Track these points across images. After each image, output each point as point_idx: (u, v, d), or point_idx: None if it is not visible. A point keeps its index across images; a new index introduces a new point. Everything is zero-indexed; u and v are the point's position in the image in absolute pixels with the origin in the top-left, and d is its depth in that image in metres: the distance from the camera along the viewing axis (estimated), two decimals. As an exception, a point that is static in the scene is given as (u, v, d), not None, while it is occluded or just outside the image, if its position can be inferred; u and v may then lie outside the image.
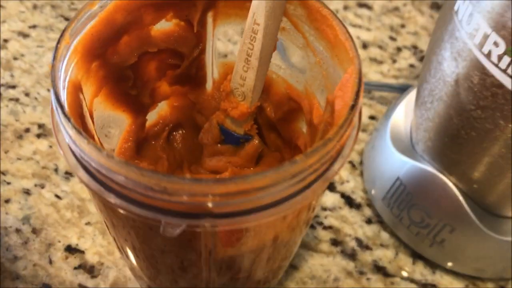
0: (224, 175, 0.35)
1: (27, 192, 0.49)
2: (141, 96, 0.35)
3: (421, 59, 0.65)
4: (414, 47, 0.66)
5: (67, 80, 0.27)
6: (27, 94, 0.56)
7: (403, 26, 0.69)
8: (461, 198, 0.43)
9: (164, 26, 0.34)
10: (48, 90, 0.57)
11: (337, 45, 0.30)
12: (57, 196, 0.49)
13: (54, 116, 0.27)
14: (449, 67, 0.38)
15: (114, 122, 0.35)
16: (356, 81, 0.26)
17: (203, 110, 0.39)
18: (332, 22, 0.30)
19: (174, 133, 0.40)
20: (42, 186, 0.49)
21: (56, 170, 0.51)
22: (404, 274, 0.47)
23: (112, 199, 0.24)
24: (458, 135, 0.39)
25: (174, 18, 0.34)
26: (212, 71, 0.38)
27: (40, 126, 0.54)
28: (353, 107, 0.25)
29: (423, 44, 0.67)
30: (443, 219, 0.44)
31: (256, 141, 0.36)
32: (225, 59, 0.38)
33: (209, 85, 0.39)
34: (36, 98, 0.56)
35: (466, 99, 0.37)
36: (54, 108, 0.25)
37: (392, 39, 0.67)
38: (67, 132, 0.24)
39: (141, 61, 0.34)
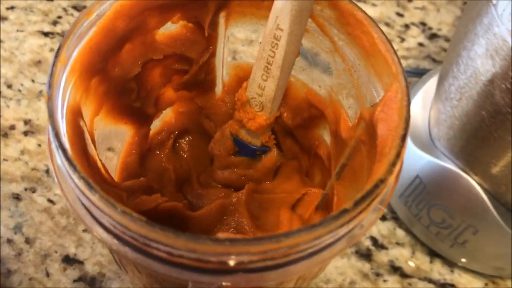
0: (242, 193, 0.31)
1: (17, 197, 0.45)
2: (145, 107, 0.31)
3: (430, 37, 0.61)
4: (423, 23, 0.62)
5: (65, 106, 0.23)
6: (9, 86, 0.51)
7: (410, 0, 0.64)
8: (486, 198, 0.40)
9: (170, 29, 0.30)
10: (33, 80, 0.52)
11: (374, 55, 0.26)
12: (50, 201, 0.45)
13: (52, 150, 0.23)
14: (484, 65, 0.34)
15: (116, 136, 0.31)
16: (404, 104, 0.23)
17: (212, 115, 0.35)
18: (368, 28, 0.26)
19: (180, 141, 0.36)
20: (33, 190, 0.45)
21: (47, 171, 0.47)
22: (422, 274, 0.45)
23: (130, 253, 0.20)
24: (489, 137, 0.36)
25: (182, 20, 0.29)
26: (222, 74, 0.34)
27: (27, 122, 0.49)
28: (403, 137, 0.22)
29: (432, 20, 0.63)
30: (466, 220, 0.41)
31: (275, 153, 0.33)
32: (237, 61, 0.34)
33: (218, 89, 0.35)
34: (20, 91, 0.51)
35: (503, 101, 0.34)
36: (54, 148, 0.21)
37: (399, 15, 0.63)
38: (73, 179, 0.20)
39: (144, 69, 0.30)
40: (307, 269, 0.21)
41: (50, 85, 0.22)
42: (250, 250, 0.19)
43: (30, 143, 0.48)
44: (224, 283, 0.20)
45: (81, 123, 0.24)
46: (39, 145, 0.48)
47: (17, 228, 0.43)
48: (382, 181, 0.21)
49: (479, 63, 0.35)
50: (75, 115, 0.24)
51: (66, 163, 0.20)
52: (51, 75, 0.22)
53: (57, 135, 0.21)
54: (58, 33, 0.55)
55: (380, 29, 0.25)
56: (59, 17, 0.57)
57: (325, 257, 0.21)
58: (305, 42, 0.30)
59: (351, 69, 0.28)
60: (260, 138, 0.32)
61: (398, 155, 0.21)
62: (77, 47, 0.25)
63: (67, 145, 0.21)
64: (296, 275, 0.21)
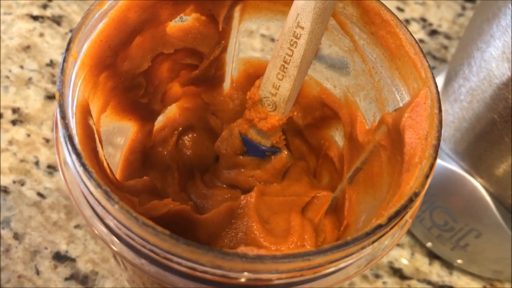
0: (251, 195, 0.30)
1: (5, 190, 0.43)
2: (152, 103, 0.30)
3: (430, 33, 0.60)
4: (423, 19, 0.61)
5: (74, 105, 0.21)
6: (-4, 72, 0.49)
7: (410, -6, 0.63)
8: (490, 202, 0.40)
9: (181, 22, 0.28)
10: (22, 67, 0.49)
11: (400, 57, 0.25)
12: (40, 195, 0.43)
13: (60, 151, 0.21)
14: (499, 68, 0.33)
15: (119, 133, 0.30)
16: (435, 111, 0.22)
17: (219, 112, 0.34)
18: (395, 29, 0.25)
19: (184, 137, 0.34)
20: (22, 183, 0.43)
21: (37, 163, 0.45)
22: (421, 276, 0.44)
23: (146, 266, 0.19)
24: (500, 141, 0.36)
25: (195, 13, 0.28)
26: (232, 69, 0.32)
27: (15, 110, 0.47)
28: (436, 148, 0.21)
29: (432, 16, 0.62)
30: (469, 223, 0.41)
31: (285, 155, 0.31)
32: (246, 55, 0.32)
33: (226, 85, 0.33)
34: (7, 77, 0.49)
35: (518, 106, 0.33)
36: (66, 150, 0.19)
37: (400, 10, 0.62)
38: (86, 186, 0.19)
39: (153, 63, 0.28)
40: (329, 286, 0.20)
41: (62, 83, 0.20)
42: (279, 268, 0.18)
43: (19, 133, 0.46)
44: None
45: (91, 122, 0.22)
46: (28, 135, 0.46)
47: (5, 223, 0.42)
48: (416, 194, 0.20)
49: (494, 65, 0.34)
50: (85, 114, 0.22)
51: (80, 169, 0.19)
52: (62, 71, 0.20)
53: (70, 138, 0.19)
54: (48, 17, 0.53)
55: (408, 31, 0.24)
56: None
57: (350, 273, 0.20)
58: (322, 40, 0.29)
59: (371, 70, 0.27)
60: (270, 138, 0.31)
61: (431, 166, 0.20)
62: (87, 40, 0.23)
63: (80, 150, 0.19)
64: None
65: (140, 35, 0.26)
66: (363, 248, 0.19)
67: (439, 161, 0.41)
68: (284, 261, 0.18)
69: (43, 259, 0.41)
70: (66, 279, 0.40)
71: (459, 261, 0.44)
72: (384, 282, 0.44)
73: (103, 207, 0.18)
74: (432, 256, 0.46)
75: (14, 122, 0.46)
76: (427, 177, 0.20)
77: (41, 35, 0.52)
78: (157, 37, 0.27)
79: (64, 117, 0.19)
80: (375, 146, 0.27)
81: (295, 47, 0.26)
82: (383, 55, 0.26)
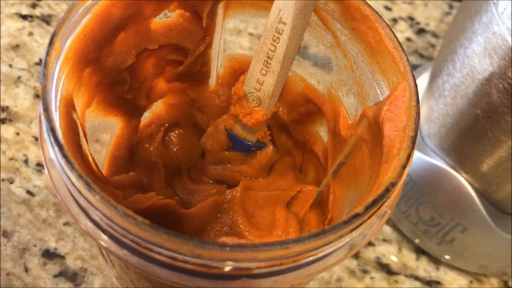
0: (236, 190, 0.30)
1: (-7, 188, 0.43)
2: (137, 99, 0.30)
3: (417, 32, 0.61)
4: (411, 18, 0.62)
5: (58, 99, 0.22)
6: (-15, 71, 0.49)
7: (398, -6, 0.64)
8: (475, 197, 0.40)
9: (165, 18, 0.28)
10: (11, 66, 0.50)
11: (380, 52, 0.25)
12: (29, 192, 0.43)
13: (43, 142, 0.21)
14: (481, 63, 0.34)
15: (105, 129, 0.30)
16: (413, 104, 0.22)
17: (205, 108, 0.34)
18: (374, 24, 0.25)
19: (170, 134, 0.35)
20: (11, 181, 0.44)
21: (26, 161, 0.45)
22: (408, 271, 0.45)
23: (129, 257, 0.19)
24: (483, 136, 0.36)
25: (179, 9, 0.28)
26: (217, 66, 0.33)
27: (4, 109, 0.47)
28: (413, 139, 0.21)
29: (420, 15, 0.62)
30: (455, 218, 0.42)
31: (270, 150, 0.32)
32: (232, 52, 0.33)
33: (212, 81, 0.33)
34: (-4, 76, 0.49)
35: (499, 101, 0.33)
36: (48, 143, 0.20)
37: (388, 9, 0.62)
38: (69, 177, 0.19)
39: (138, 59, 0.28)
40: (310, 276, 0.21)
41: (45, 76, 0.20)
42: (258, 256, 0.18)
43: (8, 131, 0.46)
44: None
45: (74, 116, 0.23)
46: (17, 133, 0.46)
47: (-6, 221, 0.42)
48: (393, 184, 0.20)
49: (476, 61, 0.34)
50: (69, 108, 0.22)
51: (62, 161, 0.19)
52: (45, 65, 0.21)
53: (52, 130, 0.19)
54: (37, 16, 0.53)
55: (388, 26, 0.25)
56: (39, -1, 0.54)
57: (330, 263, 0.21)
58: (305, 36, 0.29)
59: (353, 65, 0.28)
60: (255, 134, 0.31)
61: (409, 157, 0.21)
62: (71, 35, 0.23)
63: (62, 141, 0.19)
64: (298, 281, 0.21)
65: (124, 30, 0.26)
66: (341, 236, 0.19)
67: (425, 157, 0.42)
68: (263, 249, 0.18)
69: (32, 257, 0.41)
70: (55, 276, 0.40)
71: (447, 256, 0.44)
72: (371, 278, 0.44)
73: (85, 198, 0.19)
74: (420, 251, 0.46)
75: (3, 121, 0.46)
76: (404, 167, 0.20)
77: (30, 34, 0.52)
78: (141, 33, 0.27)
79: (46, 109, 0.20)
80: (357, 140, 0.27)
81: (278, 42, 0.26)
82: (364, 50, 0.26)
